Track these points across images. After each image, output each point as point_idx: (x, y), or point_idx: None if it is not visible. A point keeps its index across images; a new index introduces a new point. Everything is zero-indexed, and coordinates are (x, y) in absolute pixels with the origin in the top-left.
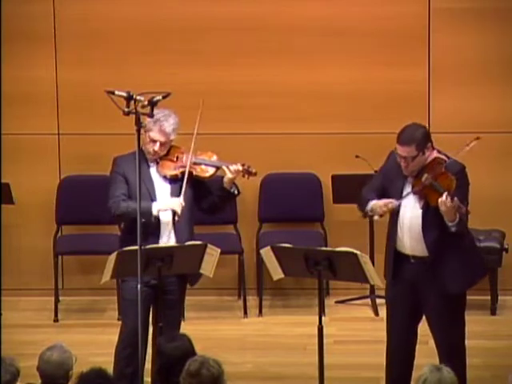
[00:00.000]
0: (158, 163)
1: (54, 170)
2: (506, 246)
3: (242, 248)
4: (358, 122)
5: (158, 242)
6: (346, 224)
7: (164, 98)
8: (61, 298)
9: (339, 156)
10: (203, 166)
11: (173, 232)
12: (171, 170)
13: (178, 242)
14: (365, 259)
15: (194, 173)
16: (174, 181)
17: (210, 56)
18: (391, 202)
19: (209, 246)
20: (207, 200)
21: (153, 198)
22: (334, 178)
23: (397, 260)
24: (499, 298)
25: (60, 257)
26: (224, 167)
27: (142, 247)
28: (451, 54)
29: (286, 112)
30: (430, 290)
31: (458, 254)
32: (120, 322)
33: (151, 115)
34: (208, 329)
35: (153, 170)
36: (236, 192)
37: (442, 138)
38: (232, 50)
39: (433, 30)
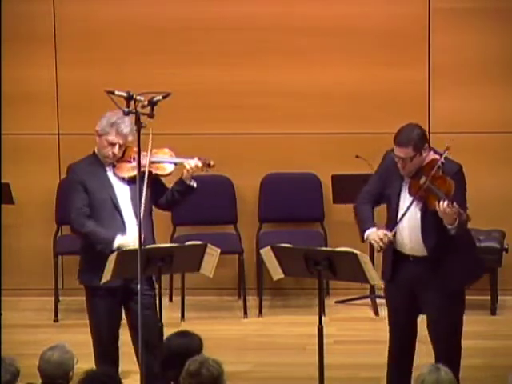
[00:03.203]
0: (114, 166)
1: (54, 170)
2: (506, 246)
3: (242, 248)
4: (358, 122)
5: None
6: (345, 224)
7: (164, 97)
8: (61, 298)
9: (339, 156)
10: (162, 164)
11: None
12: (129, 171)
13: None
14: (365, 259)
15: (154, 172)
16: (133, 182)
17: (209, 56)
18: (386, 235)
19: (209, 245)
20: (165, 196)
21: (115, 203)
22: (334, 177)
23: (395, 260)
24: (499, 297)
25: (60, 257)
26: (184, 163)
27: (141, 248)
28: (451, 54)
29: (286, 112)
30: (429, 288)
31: (457, 253)
32: None
33: (151, 115)
34: (208, 329)
35: (110, 174)
36: (195, 185)
37: (442, 138)
38: (232, 49)
39: (433, 30)
